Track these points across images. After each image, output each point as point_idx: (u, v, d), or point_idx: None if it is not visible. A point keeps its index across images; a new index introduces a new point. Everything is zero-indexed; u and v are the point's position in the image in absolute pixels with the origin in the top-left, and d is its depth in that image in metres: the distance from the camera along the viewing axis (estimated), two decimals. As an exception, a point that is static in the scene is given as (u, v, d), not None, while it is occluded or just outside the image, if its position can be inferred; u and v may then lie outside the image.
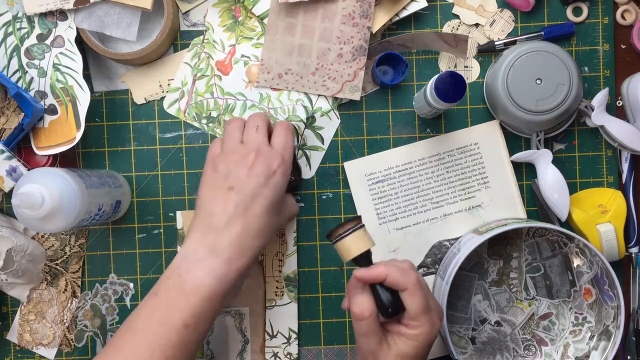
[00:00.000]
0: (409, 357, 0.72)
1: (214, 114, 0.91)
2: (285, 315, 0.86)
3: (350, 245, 0.73)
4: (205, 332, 0.73)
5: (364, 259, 0.74)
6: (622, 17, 0.91)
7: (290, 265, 0.84)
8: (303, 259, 0.92)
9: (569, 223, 0.91)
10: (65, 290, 0.91)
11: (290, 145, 0.79)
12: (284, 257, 0.83)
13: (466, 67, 0.91)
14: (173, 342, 0.70)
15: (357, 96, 0.90)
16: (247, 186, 0.75)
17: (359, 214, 0.79)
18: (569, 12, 0.91)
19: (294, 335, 0.87)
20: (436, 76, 0.80)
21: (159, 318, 0.71)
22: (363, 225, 0.74)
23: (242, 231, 0.74)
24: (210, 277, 0.72)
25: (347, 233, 0.74)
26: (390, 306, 0.73)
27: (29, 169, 0.85)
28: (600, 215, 0.89)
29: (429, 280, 0.90)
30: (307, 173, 0.91)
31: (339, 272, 0.92)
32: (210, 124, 0.91)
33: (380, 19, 0.89)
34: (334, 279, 0.92)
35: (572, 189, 0.91)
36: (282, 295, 0.84)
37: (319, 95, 0.90)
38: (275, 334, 0.87)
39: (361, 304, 0.72)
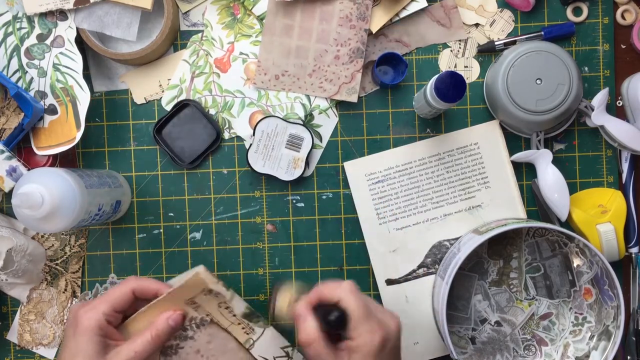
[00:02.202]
0: None
1: (213, 111, 0.91)
2: (269, 343, 0.81)
3: (282, 305, 0.76)
4: None
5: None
6: (622, 17, 0.91)
7: (239, 305, 0.78)
8: (303, 259, 0.92)
9: (569, 223, 0.91)
10: (65, 290, 0.91)
11: None
12: (228, 303, 0.78)
13: (466, 67, 0.91)
14: None
15: (354, 98, 0.90)
16: None
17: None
18: (569, 12, 0.91)
19: (289, 350, 0.82)
20: (436, 76, 0.80)
21: None
22: (280, 286, 0.77)
23: None
24: None
25: (273, 304, 0.76)
26: (332, 317, 0.73)
27: (29, 169, 0.85)
28: (600, 215, 0.89)
29: (429, 280, 0.90)
30: (306, 172, 0.91)
31: (338, 272, 0.92)
32: (210, 124, 0.91)
33: (380, 19, 0.89)
34: (334, 278, 0.91)
35: (572, 189, 0.91)
36: (252, 330, 0.80)
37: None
38: None
39: (305, 329, 0.73)
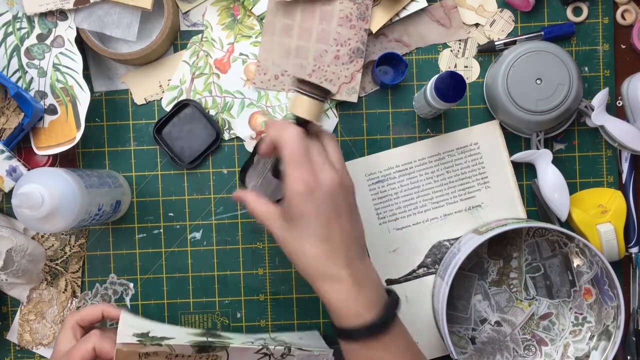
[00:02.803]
0: (289, 220, 0.70)
1: (212, 112, 0.91)
2: (241, 354, 0.78)
3: (305, 106, 0.73)
4: None
5: (301, 123, 0.74)
6: (622, 17, 0.91)
7: (185, 348, 0.74)
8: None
9: (569, 223, 0.91)
10: (65, 290, 0.92)
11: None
12: (174, 352, 0.74)
13: (466, 67, 0.91)
14: None
15: (354, 98, 0.90)
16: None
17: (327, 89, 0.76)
18: (569, 12, 0.91)
19: (262, 343, 0.80)
20: (436, 76, 0.80)
21: None
22: (325, 99, 0.74)
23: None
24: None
25: (313, 95, 0.73)
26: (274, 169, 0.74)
27: (29, 169, 0.85)
28: (600, 215, 0.89)
29: (429, 280, 0.90)
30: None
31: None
32: (210, 124, 0.91)
33: (380, 19, 0.89)
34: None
35: (572, 189, 0.91)
36: (217, 356, 0.76)
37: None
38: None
39: (249, 205, 0.74)
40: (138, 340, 0.71)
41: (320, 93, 0.73)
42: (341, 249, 0.70)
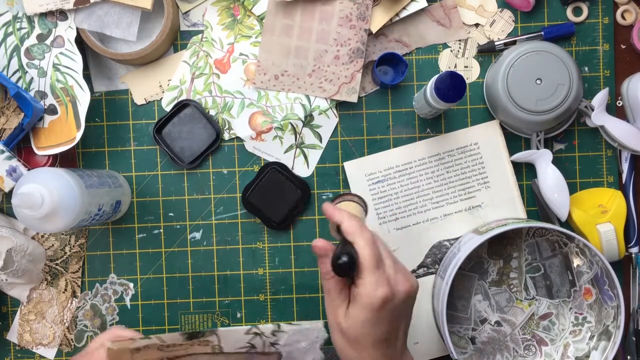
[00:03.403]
0: (357, 319, 0.70)
1: (212, 112, 0.91)
2: (231, 337, 0.76)
3: (353, 211, 0.75)
4: None
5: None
6: (622, 17, 0.91)
7: (174, 337, 0.73)
8: (303, 259, 0.92)
9: (569, 223, 0.91)
10: (65, 290, 0.92)
11: None
12: (164, 343, 0.75)
13: (466, 67, 0.91)
14: None
15: (354, 98, 0.90)
16: None
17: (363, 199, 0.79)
18: (569, 12, 0.91)
19: (255, 330, 0.75)
20: (436, 76, 0.80)
21: None
22: (364, 207, 0.78)
23: None
24: None
25: (352, 200, 0.77)
26: (341, 259, 0.70)
27: (29, 169, 0.85)
28: (600, 215, 0.89)
29: (429, 280, 0.90)
30: (306, 172, 0.91)
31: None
32: (210, 124, 0.91)
33: (380, 19, 0.89)
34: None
35: (572, 189, 0.91)
36: (208, 341, 0.75)
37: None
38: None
39: (325, 265, 0.71)
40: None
41: (360, 200, 0.77)
42: (396, 350, 0.72)
